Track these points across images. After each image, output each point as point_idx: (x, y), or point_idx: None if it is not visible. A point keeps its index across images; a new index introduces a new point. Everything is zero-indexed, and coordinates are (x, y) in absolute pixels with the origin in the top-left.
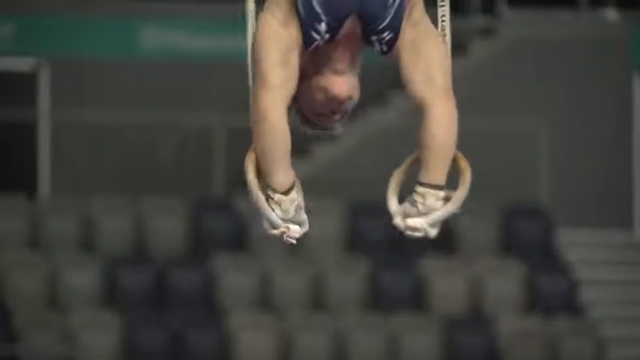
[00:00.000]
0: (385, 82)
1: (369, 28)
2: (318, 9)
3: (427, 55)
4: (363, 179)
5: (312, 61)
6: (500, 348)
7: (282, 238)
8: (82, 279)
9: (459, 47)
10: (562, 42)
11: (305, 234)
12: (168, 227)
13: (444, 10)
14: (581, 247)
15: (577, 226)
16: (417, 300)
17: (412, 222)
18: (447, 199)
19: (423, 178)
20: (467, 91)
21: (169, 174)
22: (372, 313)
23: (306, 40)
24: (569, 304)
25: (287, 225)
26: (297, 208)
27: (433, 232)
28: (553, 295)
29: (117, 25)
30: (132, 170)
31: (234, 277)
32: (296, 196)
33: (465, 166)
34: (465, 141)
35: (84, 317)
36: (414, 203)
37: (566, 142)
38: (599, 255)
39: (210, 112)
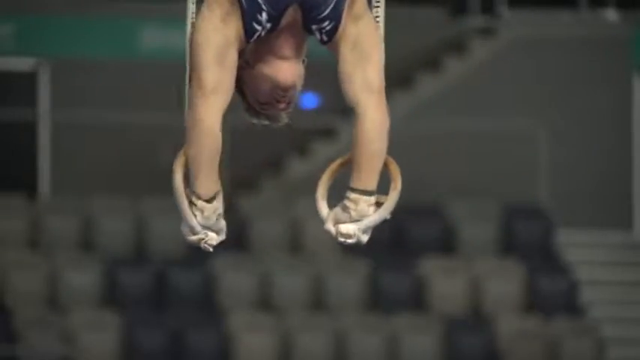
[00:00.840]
0: (385, 81)
1: (309, 17)
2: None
3: (366, 56)
4: None
5: (256, 50)
6: (500, 348)
7: (200, 245)
8: (82, 279)
9: (459, 47)
10: (562, 42)
11: (305, 234)
12: (168, 227)
13: (378, 12)
14: (580, 248)
15: (577, 227)
16: (417, 300)
17: (344, 228)
18: (378, 205)
19: (354, 184)
20: (467, 91)
21: (169, 174)
22: (372, 313)
23: (248, 32)
24: (568, 304)
25: (206, 232)
26: (219, 217)
27: (365, 238)
28: (553, 295)
29: (117, 25)
30: (132, 170)
31: (234, 277)
32: (218, 205)
33: (395, 171)
34: (465, 141)
35: (84, 317)
36: (345, 209)
37: (566, 142)
38: (599, 255)
39: None
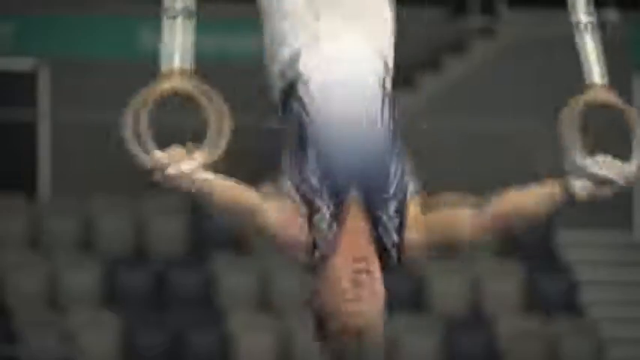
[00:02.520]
0: None
1: (372, 200)
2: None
3: (453, 216)
4: None
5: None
6: (500, 348)
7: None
8: (82, 279)
9: (459, 47)
10: (562, 42)
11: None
12: (168, 227)
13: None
14: (581, 248)
15: (577, 227)
16: (417, 300)
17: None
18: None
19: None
20: (467, 91)
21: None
22: None
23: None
24: (569, 304)
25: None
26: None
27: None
28: (553, 295)
29: (117, 25)
30: (132, 170)
31: (234, 277)
32: None
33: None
34: (465, 141)
35: (84, 317)
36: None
37: None
38: (599, 255)
39: None
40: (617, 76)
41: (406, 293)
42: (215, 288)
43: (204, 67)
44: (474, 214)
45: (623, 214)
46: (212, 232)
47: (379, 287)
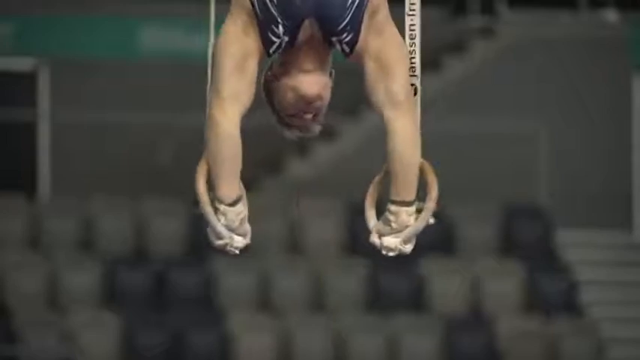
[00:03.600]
0: None
1: (327, 29)
2: (274, 11)
3: (389, 69)
4: (363, 179)
5: (282, 64)
6: (500, 348)
7: (226, 249)
8: (82, 279)
9: (459, 47)
10: (562, 42)
11: (305, 234)
12: (168, 227)
13: (414, 20)
14: (581, 248)
15: (577, 227)
16: (417, 300)
17: (386, 242)
18: (419, 212)
19: (393, 196)
20: (467, 91)
21: (169, 174)
22: (371, 313)
23: (265, 43)
24: (569, 304)
25: (231, 235)
26: (242, 220)
27: (408, 249)
28: (553, 295)
29: (117, 25)
30: (132, 170)
31: (234, 277)
32: (242, 209)
33: (431, 179)
34: (465, 141)
35: (84, 317)
36: (387, 222)
37: (566, 142)
38: (599, 255)
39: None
40: (617, 76)
41: (406, 293)
42: (215, 288)
43: (204, 67)
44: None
45: (623, 214)
46: None
47: (324, 106)
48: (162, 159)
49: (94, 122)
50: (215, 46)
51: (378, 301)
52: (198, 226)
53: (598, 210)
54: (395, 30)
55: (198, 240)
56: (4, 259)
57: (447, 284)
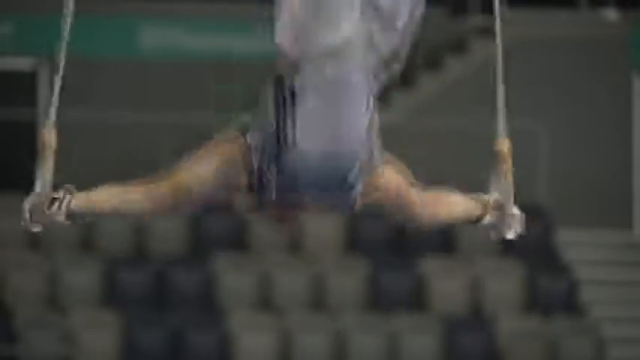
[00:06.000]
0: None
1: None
2: (273, 186)
3: (402, 199)
4: None
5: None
6: (500, 348)
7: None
8: (82, 279)
9: (459, 47)
10: (562, 42)
11: (305, 234)
12: (168, 227)
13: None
14: (581, 247)
15: (577, 226)
16: (417, 300)
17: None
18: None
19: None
20: (467, 91)
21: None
22: (372, 313)
23: (253, 187)
24: (569, 304)
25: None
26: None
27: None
28: (553, 295)
29: (117, 24)
30: (132, 170)
31: (234, 277)
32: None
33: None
34: (465, 140)
35: (84, 317)
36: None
37: (566, 142)
38: (599, 255)
39: (210, 112)
40: (617, 76)
41: (406, 293)
42: (215, 288)
43: (204, 67)
44: (412, 191)
45: (623, 213)
46: (212, 232)
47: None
48: (162, 159)
49: (94, 122)
50: (206, 144)
51: (378, 301)
52: (199, 226)
53: (598, 209)
54: (391, 170)
55: (199, 240)
56: (4, 259)
57: (447, 284)
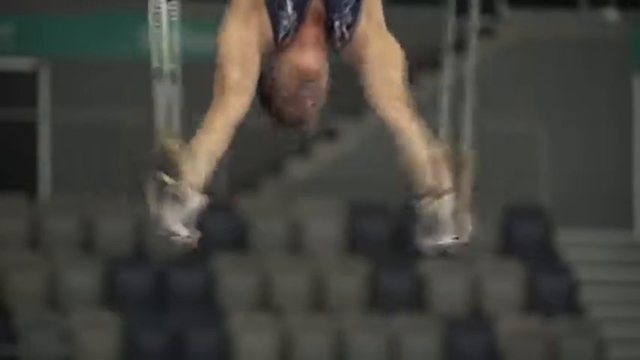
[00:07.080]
0: None
1: (331, 5)
2: None
3: (388, 69)
4: (363, 179)
5: (279, 51)
6: (500, 348)
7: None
8: (82, 279)
9: (459, 47)
10: (562, 42)
11: (305, 234)
12: None
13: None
14: (581, 248)
15: (577, 227)
16: (417, 300)
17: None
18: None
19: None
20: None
21: None
22: (372, 313)
23: (275, 24)
24: (569, 304)
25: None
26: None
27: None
28: (553, 295)
29: (117, 25)
30: (132, 170)
31: (234, 277)
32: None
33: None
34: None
35: (84, 317)
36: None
37: (566, 142)
38: (599, 255)
39: None
40: (617, 76)
41: (406, 293)
42: (215, 288)
43: (204, 67)
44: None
45: (624, 214)
46: (212, 232)
47: (322, 92)
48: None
49: (94, 122)
50: (219, 41)
51: (378, 301)
52: (199, 226)
53: (598, 210)
54: (392, 38)
55: (199, 240)
56: (4, 259)
57: (447, 284)
